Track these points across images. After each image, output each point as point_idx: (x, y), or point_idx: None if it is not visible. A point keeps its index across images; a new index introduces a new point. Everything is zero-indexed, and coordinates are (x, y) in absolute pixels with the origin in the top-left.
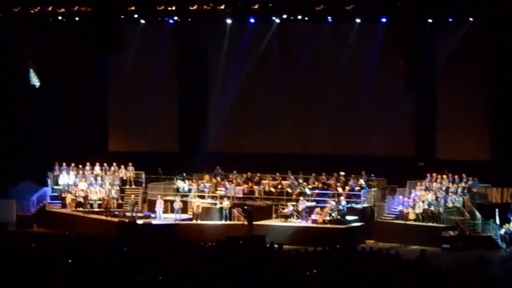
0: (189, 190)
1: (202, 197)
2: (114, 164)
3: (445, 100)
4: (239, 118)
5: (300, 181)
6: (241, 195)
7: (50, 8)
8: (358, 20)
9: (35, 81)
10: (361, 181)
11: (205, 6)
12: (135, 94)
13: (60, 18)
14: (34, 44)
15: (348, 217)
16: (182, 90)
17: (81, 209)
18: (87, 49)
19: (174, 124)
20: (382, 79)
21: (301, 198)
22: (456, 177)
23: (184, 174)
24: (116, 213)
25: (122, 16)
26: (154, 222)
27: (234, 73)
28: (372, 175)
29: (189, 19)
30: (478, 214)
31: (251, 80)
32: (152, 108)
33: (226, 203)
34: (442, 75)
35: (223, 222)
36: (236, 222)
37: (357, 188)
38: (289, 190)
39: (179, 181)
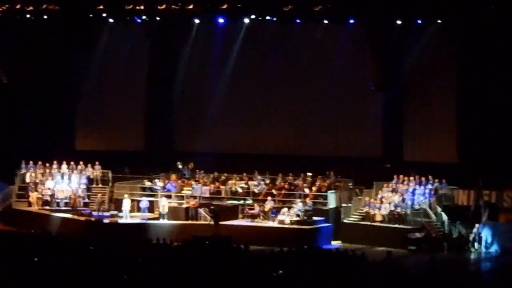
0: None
1: (169, 196)
2: (81, 162)
3: (413, 102)
4: (206, 117)
5: (267, 181)
6: (207, 195)
7: (18, 6)
8: (326, 21)
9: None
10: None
11: (173, 6)
12: (103, 92)
13: (28, 16)
14: (1, 42)
15: (315, 218)
16: (150, 89)
17: (47, 207)
18: (55, 47)
19: (141, 123)
20: (350, 80)
21: (268, 198)
22: (422, 179)
23: (152, 175)
24: (83, 211)
25: (91, 15)
26: (120, 221)
27: (202, 73)
28: (339, 176)
29: (158, 18)
30: (444, 216)
31: (220, 79)
32: (120, 107)
33: (192, 203)
34: (410, 77)
35: (189, 222)
36: (202, 222)
37: (323, 189)
38: (255, 190)
39: (146, 181)
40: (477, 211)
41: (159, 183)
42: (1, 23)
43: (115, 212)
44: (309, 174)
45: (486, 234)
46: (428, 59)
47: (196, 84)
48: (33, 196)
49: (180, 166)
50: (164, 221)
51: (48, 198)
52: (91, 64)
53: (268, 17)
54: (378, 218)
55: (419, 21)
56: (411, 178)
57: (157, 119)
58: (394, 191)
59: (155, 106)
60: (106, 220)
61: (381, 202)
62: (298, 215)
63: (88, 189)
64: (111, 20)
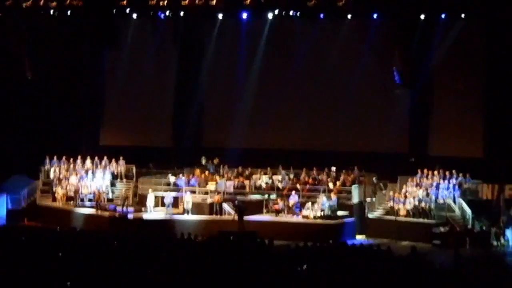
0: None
1: (193, 192)
2: (105, 158)
3: (439, 97)
4: (232, 113)
5: (291, 176)
6: (232, 190)
7: (42, 2)
8: (350, 16)
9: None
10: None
11: (197, 1)
12: (129, 88)
13: (52, 12)
14: (27, 38)
15: (339, 213)
16: (176, 85)
17: (72, 203)
18: (80, 43)
19: (167, 119)
20: (376, 75)
21: (292, 193)
22: (447, 173)
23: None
24: (107, 207)
25: (114, 11)
26: (145, 216)
27: (228, 68)
28: (363, 170)
29: (182, 14)
30: (468, 210)
31: (245, 75)
32: (145, 102)
33: (216, 198)
34: (436, 72)
35: (214, 217)
36: (227, 217)
37: (348, 183)
38: (279, 185)
39: (171, 176)
40: (499, 206)
41: (182, 179)
42: (25, 19)
43: (139, 208)
44: (333, 168)
45: (510, 229)
46: (454, 53)
47: (222, 80)
48: (59, 191)
49: (203, 162)
50: (188, 217)
51: (72, 194)
52: (117, 59)
53: (291, 12)
54: (403, 212)
55: (443, 16)
56: (436, 172)
57: (184, 115)
58: (419, 185)
59: (182, 101)
60: (130, 216)
61: (405, 197)
62: (322, 210)
63: (112, 184)
64: (134, 16)
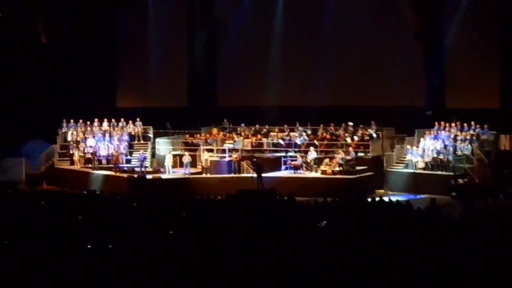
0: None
1: (211, 150)
2: (122, 119)
3: (454, 49)
4: (247, 71)
5: (309, 132)
6: (249, 148)
7: None
8: None
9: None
10: (370, 131)
11: None
12: (143, 49)
13: None
14: (40, 2)
15: (358, 168)
16: (191, 45)
17: (90, 165)
18: (95, 5)
19: (183, 79)
20: (390, 29)
21: (310, 149)
22: (464, 125)
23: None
24: (125, 168)
25: None
26: (163, 176)
27: (242, 27)
28: (381, 124)
29: None
30: (486, 161)
31: (260, 33)
32: (160, 63)
33: (235, 156)
34: (450, 24)
35: (232, 175)
36: (245, 175)
37: (366, 138)
38: (297, 141)
39: (188, 136)
40: None
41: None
42: None
43: (157, 168)
44: (351, 123)
45: None
46: (470, 6)
47: (237, 40)
48: (76, 154)
49: (227, 125)
50: (207, 175)
51: (90, 156)
52: (131, 21)
53: None
54: (421, 165)
55: None
56: (453, 124)
57: (199, 74)
58: (436, 138)
59: (197, 61)
60: (149, 176)
61: (423, 150)
62: (340, 165)
63: (130, 146)
64: None
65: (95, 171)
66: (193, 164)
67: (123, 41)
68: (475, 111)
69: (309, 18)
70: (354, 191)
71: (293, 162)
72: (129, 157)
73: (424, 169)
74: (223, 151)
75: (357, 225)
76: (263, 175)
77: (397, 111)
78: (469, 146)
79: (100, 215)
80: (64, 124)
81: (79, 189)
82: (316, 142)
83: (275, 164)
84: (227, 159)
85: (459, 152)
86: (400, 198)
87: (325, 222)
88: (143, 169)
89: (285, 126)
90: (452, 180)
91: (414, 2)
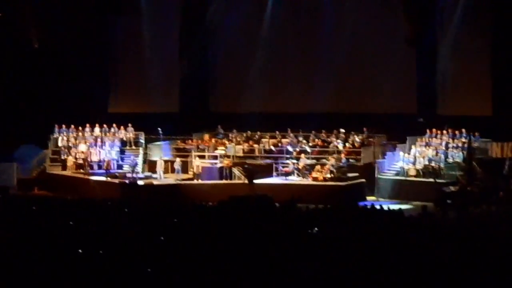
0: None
1: (203, 156)
2: (114, 125)
3: (446, 55)
4: (240, 77)
5: (300, 139)
6: (241, 154)
7: None
8: None
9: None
10: (357, 138)
11: None
12: (135, 54)
13: None
14: (34, 5)
15: (349, 174)
16: (183, 50)
17: (81, 171)
18: (87, 10)
19: (175, 85)
20: (382, 36)
21: (302, 156)
22: (456, 132)
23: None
24: (117, 174)
25: None
26: (155, 182)
27: (236, 32)
28: (372, 131)
29: None
30: (478, 169)
31: (253, 39)
32: (152, 68)
33: (226, 162)
34: (442, 30)
35: (223, 181)
36: (236, 181)
37: (356, 145)
38: (289, 148)
39: (179, 142)
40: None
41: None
42: None
43: (149, 174)
44: (342, 130)
45: None
46: (461, 11)
47: (230, 46)
48: (69, 160)
49: (221, 131)
50: (198, 182)
51: (82, 162)
52: (124, 26)
53: None
54: (412, 172)
55: None
56: (444, 132)
57: (191, 80)
58: (428, 145)
59: (189, 67)
60: (140, 182)
61: (415, 157)
62: (332, 172)
63: (122, 151)
64: None
65: (86, 177)
66: (184, 170)
67: (115, 47)
68: (467, 118)
69: (302, 25)
70: (346, 197)
71: (285, 169)
72: (120, 162)
73: (415, 176)
74: (214, 157)
75: (348, 232)
76: (254, 181)
77: (389, 118)
78: (461, 153)
79: (91, 221)
80: (56, 129)
81: (71, 195)
82: (307, 148)
83: (267, 170)
84: (218, 165)
85: (450, 160)
86: (391, 205)
87: (316, 229)
88: (134, 174)
89: (277, 132)
90: (443, 187)
91: (406, 9)
